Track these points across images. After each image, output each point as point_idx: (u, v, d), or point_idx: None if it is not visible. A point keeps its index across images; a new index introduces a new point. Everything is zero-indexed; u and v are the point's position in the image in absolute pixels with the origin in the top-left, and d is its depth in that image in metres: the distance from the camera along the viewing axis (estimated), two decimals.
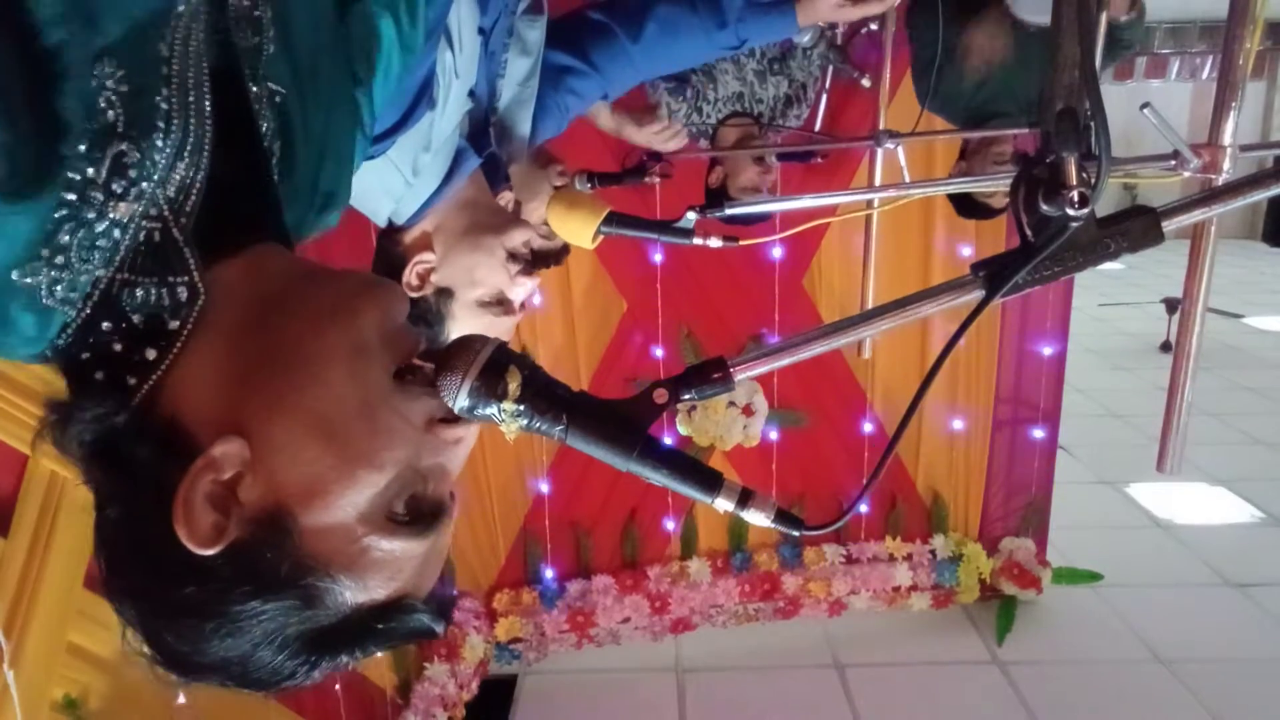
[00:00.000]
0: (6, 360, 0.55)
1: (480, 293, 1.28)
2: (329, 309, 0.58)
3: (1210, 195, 0.74)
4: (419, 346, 0.61)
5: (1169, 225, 0.70)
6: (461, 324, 1.29)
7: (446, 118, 1.15)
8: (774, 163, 2.32)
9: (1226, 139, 1.09)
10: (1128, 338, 7.01)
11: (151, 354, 0.54)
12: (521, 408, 0.59)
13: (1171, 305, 6.09)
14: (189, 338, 0.55)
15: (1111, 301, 7.81)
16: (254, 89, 0.61)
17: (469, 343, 0.60)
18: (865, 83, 2.65)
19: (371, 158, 0.95)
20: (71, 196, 0.49)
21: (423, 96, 0.95)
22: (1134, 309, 7.58)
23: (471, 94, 1.24)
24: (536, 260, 1.34)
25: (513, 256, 1.28)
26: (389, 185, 1.16)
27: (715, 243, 1.47)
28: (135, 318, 0.54)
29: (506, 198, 1.38)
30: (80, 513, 1.42)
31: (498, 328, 1.30)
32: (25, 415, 1.29)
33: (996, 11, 2.12)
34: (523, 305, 1.35)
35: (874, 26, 2.36)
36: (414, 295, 1.29)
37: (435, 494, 0.60)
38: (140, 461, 0.54)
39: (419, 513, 0.58)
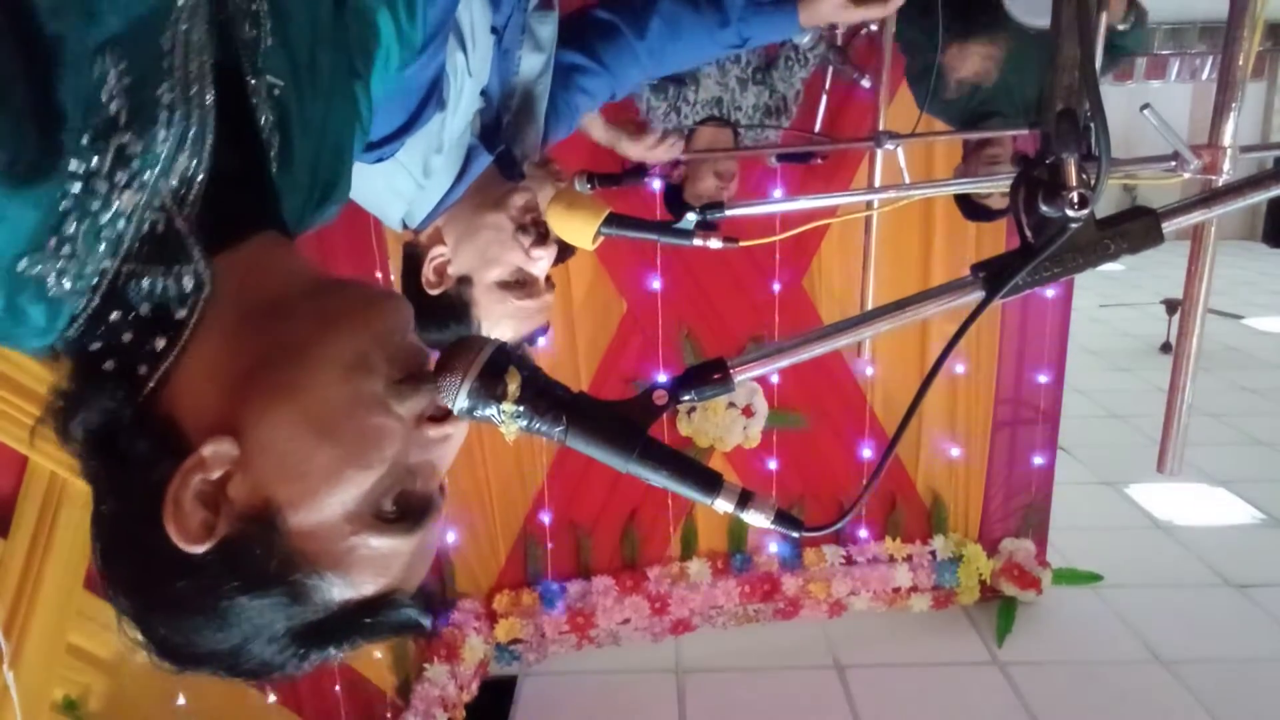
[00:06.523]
0: (17, 353, 0.55)
1: (497, 272, 1.28)
2: (332, 319, 0.58)
3: (1210, 196, 0.74)
4: (424, 361, 0.61)
5: (1169, 226, 0.70)
6: (487, 310, 1.29)
7: (459, 117, 1.14)
8: (733, 174, 2.30)
9: (1226, 140, 1.08)
10: (1128, 339, 7.01)
11: (160, 343, 0.55)
12: (521, 409, 0.59)
13: (1171, 306, 6.10)
14: (194, 329, 0.55)
15: (1112, 302, 7.82)
16: (252, 82, 0.61)
17: (469, 343, 0.60)
18: (865, 83, 2.65)
19: (381, 160, 0.95)
20: (76, 188, 0.49)
21: (430, 97, 0.95)
22: (1134, 310, 7.59)
23: (483, 93, 1.23)
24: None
25: (522, 229, 1.27)
26: (399, 187, 1.16)
27: (715, 244, 1.46)
28: (143, 308, 0.54)
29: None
30: (80, 514, 1.42)
31: (527, 311, 1.30)
32: (25, 415, 1.29)
33: (989, 30, 2.10)
34: (549, 280, 1.33)
35: (874, 28, 2.35)
36: (434, 291, 1.29)
37: (424, 490, 0.60)
38: (136, 456, 0.54)
39: (408, 509, 0.58)
